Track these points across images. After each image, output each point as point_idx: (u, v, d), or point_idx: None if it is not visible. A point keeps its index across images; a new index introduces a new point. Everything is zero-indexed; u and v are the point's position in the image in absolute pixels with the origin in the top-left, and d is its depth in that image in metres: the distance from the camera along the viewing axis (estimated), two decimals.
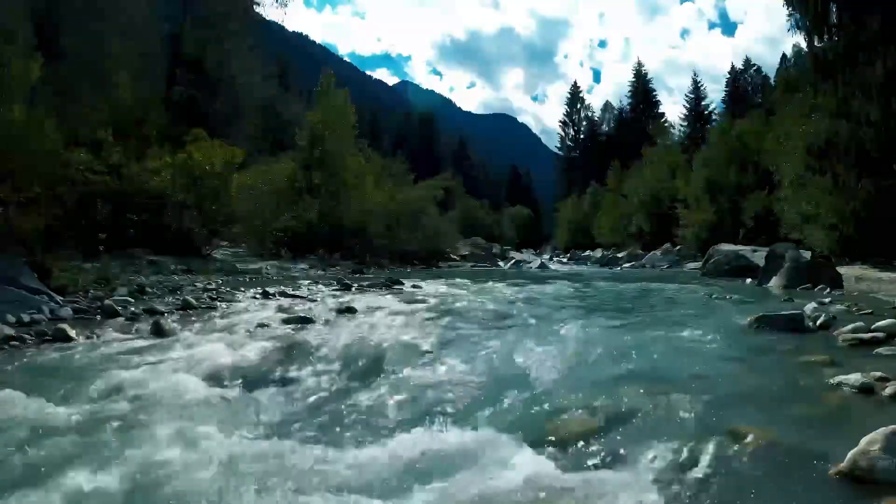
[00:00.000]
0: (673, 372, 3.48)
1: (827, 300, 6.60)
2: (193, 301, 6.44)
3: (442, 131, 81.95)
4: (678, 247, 25.44)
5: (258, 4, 25.98)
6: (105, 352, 4.02)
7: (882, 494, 1.82)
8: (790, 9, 13.27)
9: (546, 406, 2.81)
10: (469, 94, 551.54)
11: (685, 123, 46.32)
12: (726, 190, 24.18)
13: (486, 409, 2.82)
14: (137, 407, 2.85)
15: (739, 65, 47.84)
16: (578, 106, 62.62)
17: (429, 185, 28.01)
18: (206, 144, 14.10)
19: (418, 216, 22.66)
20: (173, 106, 19.59)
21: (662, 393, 2.89)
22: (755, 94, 42.91)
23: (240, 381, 3.42)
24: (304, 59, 77.97)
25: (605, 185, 43.22)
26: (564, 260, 31.30)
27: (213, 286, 8.41)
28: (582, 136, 61.91)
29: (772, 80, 37.90)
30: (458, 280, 11.70)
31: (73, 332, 4.55)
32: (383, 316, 5.86)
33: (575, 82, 66.82)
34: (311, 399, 3.09)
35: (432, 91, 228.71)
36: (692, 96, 47.80)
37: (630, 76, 59.74)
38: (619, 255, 27.17)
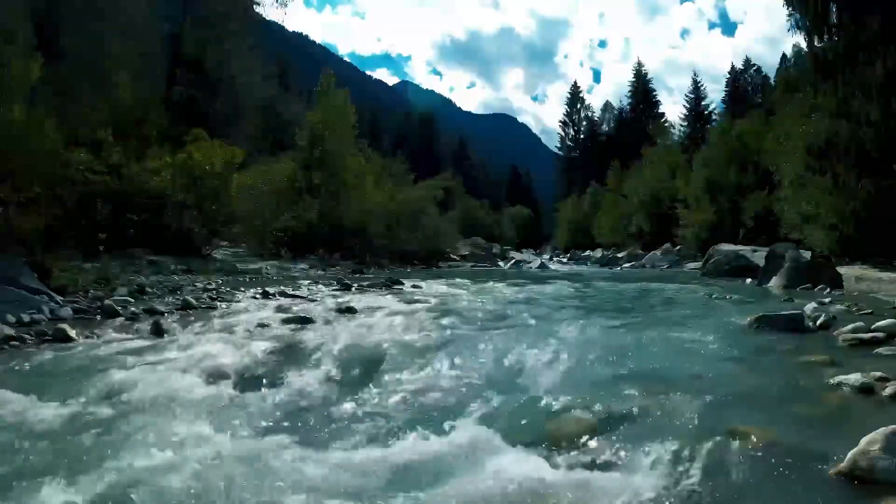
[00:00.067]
0: (673, 372, 3.48)
1: (827, 300, 6.60)
2: (193, 301, 6.44)
3: (442, 131, 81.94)
4: (678, 247, 25.44)
5: (258, 4, 26.03)
6: (105, 352, 4.02)
7: (882, 494, 1.82)
8: (790, 9, 13.27)
9: (546, 406, 2.81)
10: (469, 94, 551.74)
11: (685, 123, 46.33)
12: (726, 190, 24.18)
13: (485, 409, 2.82)
14: (137, 407, 2.85)
15: (739, 65, 47.92)
16: (578, 106, 62.66)
17: (429, 185, 28.01)
18: (206, 144, 14.11)
19: (418, 216, 22.67)
20: (173, 106, 19.59)
21: (662, 393, 2.89)
22: (755, 94, 42.91)
23: (240, 381, 3.42)
24: (304, 59, 77.96)
25: (605, 185, 43.21)
26: (564, 260, 31.29)
27: (213, 286, 8.41)
28: (582, 136, 61.92)
29: (772, 80, 37.91)
30: (457, 280, 11.69)
31: (73, 332, 4.55)
32: (383, 316, 5.86)
33: (575, 82, 66.94)
34: (311, 399, 3.09)
35: (432, 91, 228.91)
36: (692, 96, 47.81)
37: (630, 76, 59.85)
38: (619, 255, 27.17)
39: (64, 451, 2.27)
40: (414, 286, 9.72)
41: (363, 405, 2.94)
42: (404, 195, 23.41)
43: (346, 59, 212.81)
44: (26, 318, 4.95)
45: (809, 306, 5.74)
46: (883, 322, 4.23)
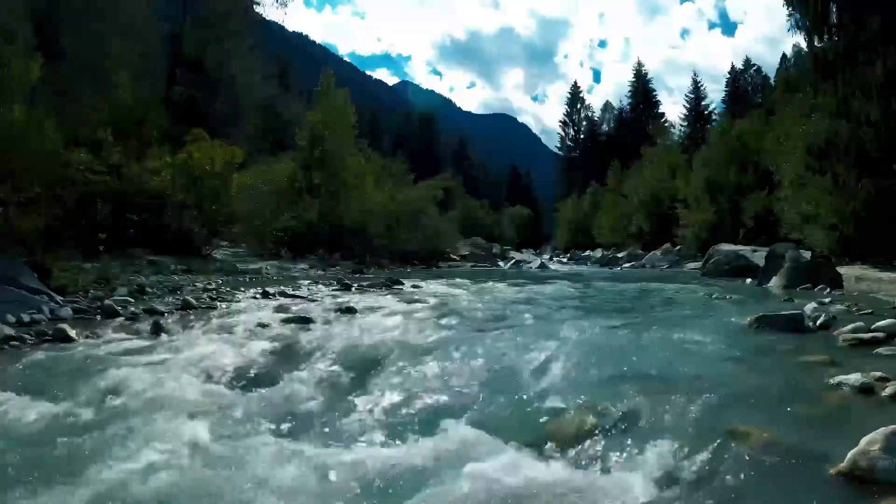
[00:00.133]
0: (673, 372, 3.48)
1: (827, 300, 6.59)
2: (193, 301, 6.44)
3: (442, 131, 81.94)
4: (678, 247, 25.44)
5: (258, 4, 26.05)
6: (105, 352, 4.02)
7: (882, 494, 1.82)
8: (790, 9, 13.26)
9: (546, 406, 2.81)
10: (469, 94, 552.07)
11: (685, 123, 46.33)
12: (726, 190, 24.18)
13: (485, 409, 2.82)
14: (137, 407, 2.85)
15: (739, 65, 47.92)
16: (578, 106, 62.67)
17: (429, 185, 28.00)
18: (206, 144, 14.11)
19: (418, 216, 22.67)
20: (173, 106, 19.59)
21: (662, 393, 2.89)
22: (755, 94, 42.91)
23: (239, 381, 3.42)
24: (304, 59, 77.95)
25: (605, 185, 43.21)
26: (564, 260, 31.29)
27: (213, 286, 8.40)
28: (582, 136, 61.92)
29: (772, 80, 37.91)
30: (457, 280, 11.69)
31: (73, 332, 4.55)
32: (383, 316, 5.86)
33: (575, 82, 66.96)
34: (311, 399, 3.09)
35: (432, 91, 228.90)
36: (692, 96, 47.81)
37: (630, 76, 59.84)
38: (619, 255, 27.17)
39: (64, 451, 2.27)
40: (414, 286, 9.72)
41: (363, 405, 2.94)
42: (404, 195, 23.41)
43: (346, 59, 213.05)
44: (26, 318, 4.95)
45: (809, 306, 5.74)
46: (883, 322, 4.23)
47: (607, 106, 62.63)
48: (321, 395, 3.14)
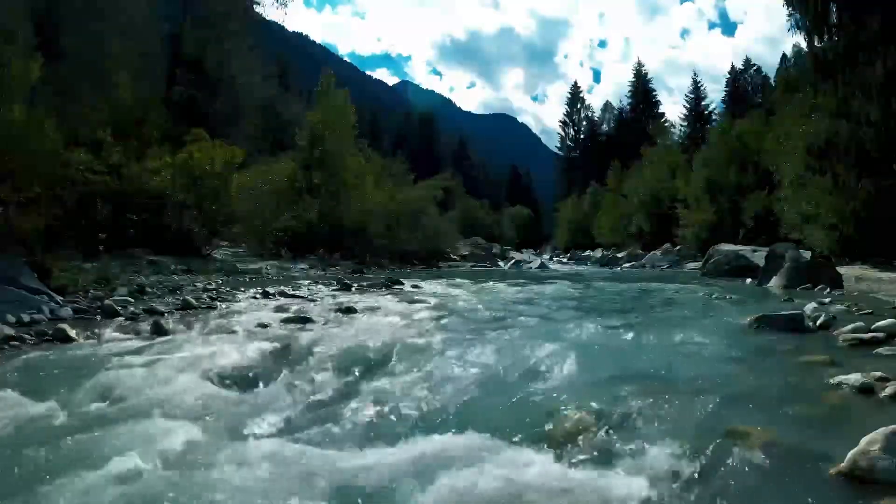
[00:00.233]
0: (673, 372, 3.48)
1: (827, 300, 6.60)
2: (193, 301, 6.45)
3: (442, 131, 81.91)
4: (678, 247, 25.44)
5: (258, 4, 26.06)
6: (105, 352, 4.02)
7: (882, 494, 1.82)
8: (790, 9, 13.27)
9: (545, 406, 2.81)
10: (469, 94, 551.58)
11: (685, 123, 46.31)
12: (726, 190, 24.18)
13: (485, 409, 2.82)
14: (137, 407, 2.85)
15: (739, 65, 47.90)
16: (578, 106, 62.65)
17: (429, 185, 28.01)
18: (206, 144, 14.11)
19: (418, 216, 22.68)
20: (173, 106, 19.58)
21: (662, 393, 2.89)
22: (755, 94, 42.90)
23: (239, 381, 3.42)
24: (304, 59, 77.92)
25: (605, 185, 43.21)
26: (564, 260, 31.30)
27: (213, 286, 8.41)
28: (582, 136, 61.91)
29: (772, 80, 37.90)
30: (457, 280, 11.70)
31: (73, 332, 4.55)
32: (383, 316, 5.86)
33: (575, 82, 66.97)
34: (311, 400, 3.08)
35: (432, 91, 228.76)
36: (692, 96, 47.80)
37: (630, 76, 59.82)
38: (619, 255, 27.17)
39: (64, 451, 2.27)
40: (414, 286, 9.73)
41: (363, 405, 2.93)
42: (404, 195, 23.42)
43: (346, 59, 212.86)
44: (26, 318, 4.95)
45: (809, 306, 5.75)
46: (883, 322, 4.23)
47: (607, 106, 62.70)
48: (321, 396, 3.14)
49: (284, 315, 5.68)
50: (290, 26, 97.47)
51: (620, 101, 63.87)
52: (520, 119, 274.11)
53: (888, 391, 2.76)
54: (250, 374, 3.55)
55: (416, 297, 7.80)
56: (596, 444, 2.34)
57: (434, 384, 3.24)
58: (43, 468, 2.11)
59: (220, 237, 15.66)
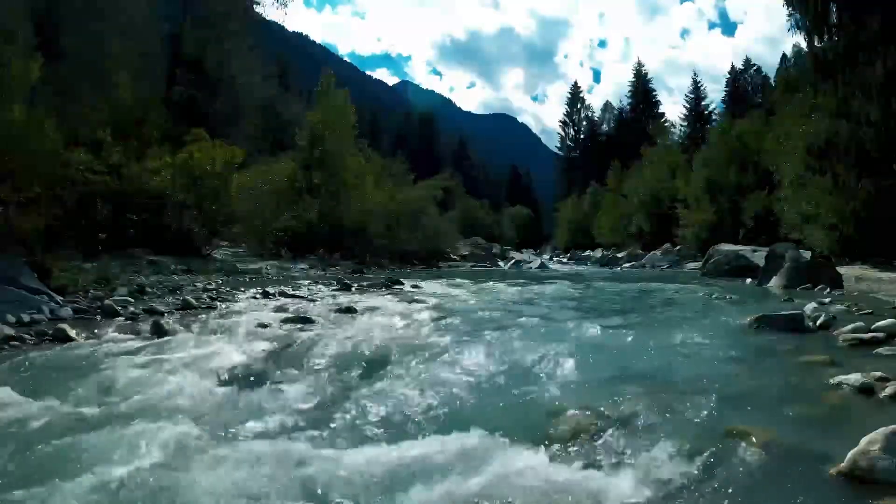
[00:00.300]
0: (673, 372, 3.48)
1: (827, 300, 6.60)
2: (193, 301, 6.45)
3: (442, 131, 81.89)
4: (678, 247, 25.45)
5: (258, 4, 26.03)
6: (105, 352, 4.02)
7: (882, 494, 1.82)
8: (790, 9, 13.27)
9: (545, 406, 2.81)
10: (469, 94, 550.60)
11: (685, 123, 46.27)
12: (726, 190, 24.19)
13: (485, 409, 2.82)
14: (137, 407, 2.85)
15: (739, 65, 47.86)
16: (578, 106, 62.64)
17: (429, 185, 28.01)
18: (206, 144, 14.11)
19: (418, 216, 22.68)
20: (173, 106, 19.58)
21: (662, 393, 2.89)
22: (755, 94, 42.89)
23: (239, 381, 3.42)
24: (304, 59, 77.90)
25: (605, 185, 43.21)
26: (564, 260, 31.30)
27: (213, 286, 8.41)
28: (582, 136, 61.90)
29: (772, 80, 37.89)
30: (457, 280, 11.70)
31: (73, 332, 4.56)
32: (383, 316, 5.87)
33: (575, 82, 66.98)
34: (311, 400, 3.08)
35: (432, 91, 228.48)
36: (692, 96, 47.78)
37: (630, 76, 59.79)
38: (619, 255, 27.18)
39: (64, 451, 2.27)
40: (414, 286, 9.73)
41: (363, 405, 2.93)
42: (404, 195, 23.42)
43: (346, 59, 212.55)
44: (26, 318, 4.95)
45: (809, 306, 5.75)
46: (883, 322, 4.23)
47: (607, 106, 62.68)
48: (321, 396, 3.14)
49: (284, 315, 5.68)
50: (290, 26, 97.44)
51: (620, 101, 63.96)
52: (520, 119, 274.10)
53: (888, 391, 2.76)
54: (250, 375, 3.56)
55: (416, 298, 7.81)
56: (596, 444, 2.34)
57: (434, 384, 3.24)
58: (43, 468, 2.11)
59: (220, 237, 15.66)
